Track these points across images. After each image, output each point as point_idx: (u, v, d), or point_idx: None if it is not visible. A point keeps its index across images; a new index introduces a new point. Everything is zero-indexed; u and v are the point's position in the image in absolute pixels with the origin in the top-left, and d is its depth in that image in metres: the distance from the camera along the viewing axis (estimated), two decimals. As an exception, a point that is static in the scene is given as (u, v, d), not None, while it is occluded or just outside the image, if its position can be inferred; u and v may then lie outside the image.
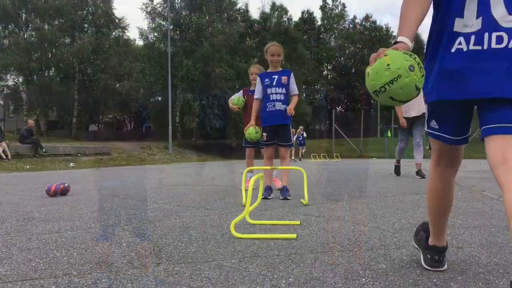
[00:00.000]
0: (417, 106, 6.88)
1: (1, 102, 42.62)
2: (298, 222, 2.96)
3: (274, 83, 4.64)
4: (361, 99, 50.43)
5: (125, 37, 41.19)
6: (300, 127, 23.43)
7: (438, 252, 1.81)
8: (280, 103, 4.61)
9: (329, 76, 53.87)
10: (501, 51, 1.41)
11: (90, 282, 1.68)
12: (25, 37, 34.97)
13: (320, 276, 1.74)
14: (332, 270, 1.82)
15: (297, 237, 2.47)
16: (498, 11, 1.41)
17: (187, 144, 33.88)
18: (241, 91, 5.85)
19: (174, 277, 1.74)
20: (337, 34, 54.60)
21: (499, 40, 1.41)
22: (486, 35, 1.43)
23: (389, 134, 31.68)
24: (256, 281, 1.68)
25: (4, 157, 14.33)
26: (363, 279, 1.69)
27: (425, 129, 1.75)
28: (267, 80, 4.69)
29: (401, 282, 1.65)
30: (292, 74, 4.76)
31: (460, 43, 1.48)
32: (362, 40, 52.04)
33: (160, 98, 38.09)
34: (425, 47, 1.68)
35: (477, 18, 1.45)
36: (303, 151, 22.96)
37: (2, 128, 18.11)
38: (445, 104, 1.56)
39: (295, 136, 21.77)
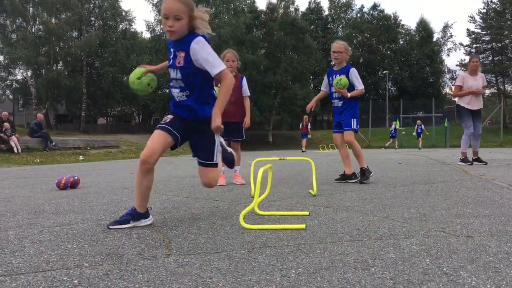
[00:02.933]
0: (478, 102, 7.79)
1: (10, 96, 42.90)
2: (307, 213, 2.96)
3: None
4: (369, 89, 50.09)
5: (132, 30, 41.21)
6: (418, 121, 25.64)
7: (347, 177, 5.13)
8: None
9: (336, 66, 53.51)
10: (338, 107, 5.23)
11: (101, 273, 1.70)
12: (33, 31, 35.09)
13: (329, 266, 1.74)
14: (342, 260, 1.82)
15: (306, 227, 2.48)
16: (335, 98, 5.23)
17: (195, 136, 33.95)
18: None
19: (184, 268, 1.75)
20: (344, 23, 54.20)
21: (337, 104, 5.21)
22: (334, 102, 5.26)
23: (398, 124, 31.50)
24: (265, 271, 1.69)
25: (15, 150, 14.47)
26: (373, 269, 1.69)
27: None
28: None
29: (411, 271, 1.65)
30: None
31: (334, 103, 5.26)
32: (370, 29, 51.60)
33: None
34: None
35: (336, 99, 5.21)
36: (396, 144, 25.65)
37: (13, 121, 18.26)
38: (336, 122, 5.29)
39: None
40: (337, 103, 5.19)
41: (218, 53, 2.82)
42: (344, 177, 5.15)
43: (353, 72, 5.09)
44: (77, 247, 2.14)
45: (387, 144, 26.29)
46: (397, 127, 26.18)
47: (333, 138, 5.42)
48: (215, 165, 2.74)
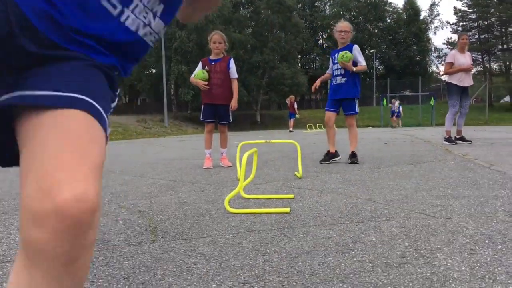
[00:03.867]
0: (469, 79, 7.79)
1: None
2: (292, 196, 3.01)
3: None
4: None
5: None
6: (393, 100, 25.92)
7: (333, 155, 5.22)
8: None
9: (324, 45, 53.38)
10: (341, 84, 5.23)
11: (87, 261, 1.72)
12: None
13: (311, 250, 1.79)
14: (323, 244, 1.87)
15: (290, 211, 2.52)
16: (336, 75, 5.36)
17: (183, 117, 33.87)
18: (200, 63, 5.32)
19: (169, 254, 1.78)
20: (332, 2, 53.82)
21: (340, 81, 5.26)
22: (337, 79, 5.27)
23: (385, 103, 31.64)
24: (249, 256, 1.73)
25: None
26: (353, 252, 1.74)
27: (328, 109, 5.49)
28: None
29: (389, 254, 1.70)
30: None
31: (332, 82, 5.32)
32: (357, 7, 51.34)
33: (154, 71, 37.81)
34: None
35: (339, 76, 5.28)
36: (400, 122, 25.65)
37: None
38: (333, 100, 5.34)
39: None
40: (340, 80, 5.26)
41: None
42: (330, 157, 5.22)
43: (356, 48, 5.24)
44: (63, 234, 2.15)
45: (394, 125, 25.54)
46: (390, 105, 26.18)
47: (325, 116, 5.48)
48: None
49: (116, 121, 24.06)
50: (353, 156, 5.15)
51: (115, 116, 27.60)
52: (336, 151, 5.28)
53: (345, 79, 5.24)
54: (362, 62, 5.25)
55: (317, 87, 5.66)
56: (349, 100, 5.28)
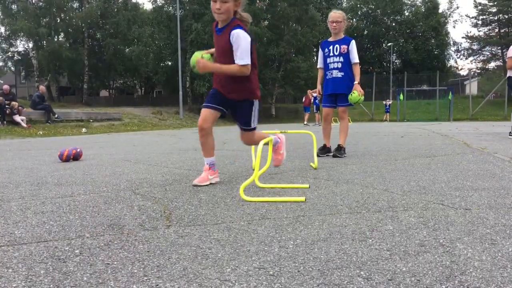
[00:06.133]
0: None
1: (12, 68, 42.70)
2: (307, 186, 2.98)
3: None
4: (373, 61, 49.59)
5: (133, 0, 40.64)
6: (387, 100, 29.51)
7: (328, 150, 5.08)
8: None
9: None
10: (337, 78, 4.98)
11: (102, 244, 1.72)
12: (33, 2, 34.68)
13: (327, 237, 1.76)
14: (340, 232, 1.84)
15: (305, 200, 2.50)
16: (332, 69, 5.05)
17: (198, 109, 33.87)
18: None
19: (184, 239, 1.77)
20: (349, -6, 53.26)
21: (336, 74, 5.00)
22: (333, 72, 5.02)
23: (401, 97, 31.31)
24: (264, 242, 1.71)
25: (24, 125, 14.47)
26: (370, 240, 1.71)
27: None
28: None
29: (407, 242, 1.67)
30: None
31: (327, 76, 5.07)
32: (374, 0, 50.72)
33: (170, 63, 37.90)
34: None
35: (335, 70, 4.98)
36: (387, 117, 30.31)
37: (15, 93, 18.30)
38: (329, 95, 5.08)
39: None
40: (336, 73, 5.02)
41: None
42: (326, 151, 5.12)
43: (354, 44, 5.01)
44: (79, 218, 2.17)
45: (384, 118, 28.44)
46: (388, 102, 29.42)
47: (324, 112, 5.32)
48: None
49: (132, 113, 24.24)
50: (338, 149, 4.96)
51: (132, 108, 27.80)
52: (330, 146, 5.15)
53: (342, 73, 4.99)
54: (356, 59, 4.97)
55: (320, 92, 5.38)
56: (345, 94, 5.04)
